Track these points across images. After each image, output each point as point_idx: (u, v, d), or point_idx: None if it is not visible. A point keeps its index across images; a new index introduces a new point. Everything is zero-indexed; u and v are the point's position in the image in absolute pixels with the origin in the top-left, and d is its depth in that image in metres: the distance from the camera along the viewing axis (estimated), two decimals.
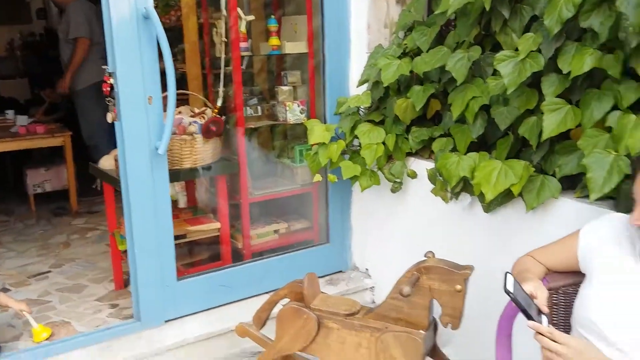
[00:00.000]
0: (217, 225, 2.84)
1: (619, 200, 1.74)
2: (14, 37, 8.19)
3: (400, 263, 1.91)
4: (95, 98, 4.68)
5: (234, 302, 2.71)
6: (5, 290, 2.95)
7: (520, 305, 1.28)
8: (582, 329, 1.36)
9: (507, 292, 1.28)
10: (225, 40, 2.84)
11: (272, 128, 3.26)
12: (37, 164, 4.68)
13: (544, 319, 1.31)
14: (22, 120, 4.80)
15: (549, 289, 1.50)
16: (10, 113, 5.32)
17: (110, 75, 2.39)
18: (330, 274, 2.98)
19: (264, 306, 2.16)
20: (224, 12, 2.77)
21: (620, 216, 1.44)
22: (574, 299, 1.45)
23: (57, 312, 2.72)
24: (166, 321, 2.53)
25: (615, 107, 1.77)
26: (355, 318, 1.93)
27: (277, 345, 2.00)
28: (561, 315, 1.53)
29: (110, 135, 4.78)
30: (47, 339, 2.41)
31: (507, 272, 1.33)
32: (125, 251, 2.96)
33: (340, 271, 3.03)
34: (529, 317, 1.29)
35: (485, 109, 2.20)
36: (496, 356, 1.53)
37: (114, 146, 3.89)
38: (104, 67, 2.44)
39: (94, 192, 4.83)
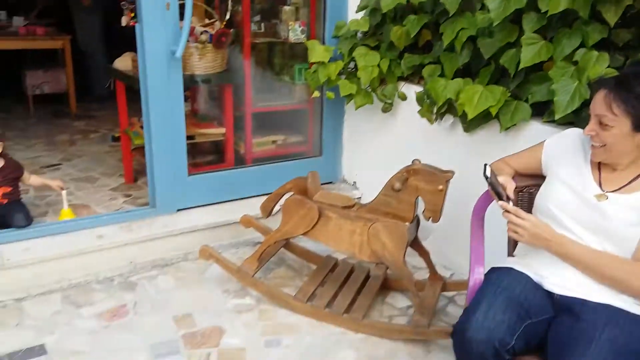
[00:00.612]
0: (223, 130, 3.13)
1: (577, 124, 2.11)
2: None
3: (386, 177, 2.25)
4: (94, 6, 4.82)
5: (237, 199, 3.05)
6: None
7: (495, 188, 1.65)
8: (542, 215, 1.74)
9: (486, 177, 1.64)
10: None
11: (272, 46, 3.50)
12: (36, 66, 4.82)
13: (511, 202, 1.69)
14: (19, 21, 4.88)
15: (516, 188, 1.87)
16: (2, 14, 5.37)
17: None
18: (322, 184, 3.33)
19: (271, 197, 2.51)
20: None
21: (578, 130, 1.81)
22: (535, 196, 1.83)
23: (75, 197, 3.02)
24: (178, 210, 2.87)
25: (582, 45, 2.11)
26: (351, 210, 2.30)
27: (282, 229, 2.37)
28: (524, 209, 1.91)
29: (105, 41, 4.97)
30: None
31: (486, 163, 1.69)
32: (136, 148, 3.26)
33: (331, 182, 3.39)
34: (500, 199, 1.66)
35: (472, 39, 2.51)
36: (471, 234, 1.91)
37: (110, 52, 4.14)
38: None
39: (89, 98, 5.04)
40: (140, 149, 3.27)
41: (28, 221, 2.54)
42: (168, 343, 2.13)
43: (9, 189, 2.58)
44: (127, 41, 4.96)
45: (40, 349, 2.04)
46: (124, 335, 2.15)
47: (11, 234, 2.47)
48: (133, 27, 2.65)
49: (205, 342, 2.14)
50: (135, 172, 3.34)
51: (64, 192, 2.71)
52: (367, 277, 2.57)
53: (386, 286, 2.58)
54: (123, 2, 2.94)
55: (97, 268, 2.55)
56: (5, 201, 2.57)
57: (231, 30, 3.01)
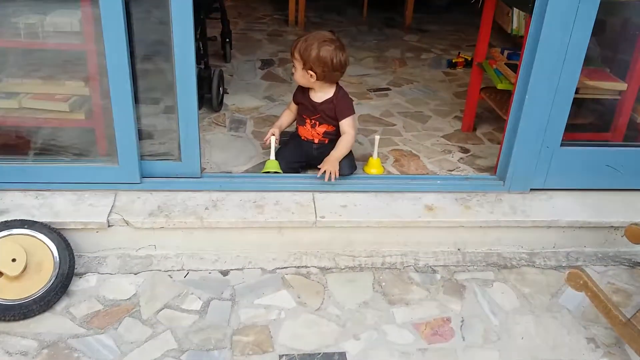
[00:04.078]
0: (623, 86, 2.14)
1: None
2: None
3: None
4: None
5: (617, 190, 2.11)
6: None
7: None
8: None
9: None
10: None
11: None
12: None
13: None
14: None
15: None
16: None
17: None
18: None
19: None
20: None
21: None
22: None
23: (403, 140, 2.44)
24: (531, 189, 2.08)
25: None
26: None
27: None
28: None
29: None
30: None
31: None
32: (490, 89, 2.49)
33: None
34: None
35: None
36: None
37: None
38: None
39: (424, 9, 4.39)
40: (490, 90, 2.51)
41: (352, 169, 2.04)
42: None
43: (332, 128, 2.07)
44: None
45: (341, 358, 1.55)
46: None
47: (332, 184, 1.98)
48: None
49: None
50: (478, 117, 2.59)
51: (377, 137, 2.13)
52: None
53: None
54: None
55: (418, 249, 1.96)
56: (326, 140, 2.08)
57: None
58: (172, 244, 1.87)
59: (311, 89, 2.03)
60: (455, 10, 4.55)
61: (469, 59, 3.37)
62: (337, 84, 2.04)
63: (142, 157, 1.92)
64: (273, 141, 2.04)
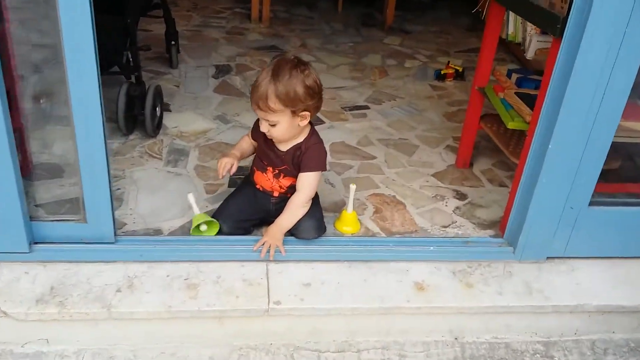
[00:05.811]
0: None
1: None
2: None
3: None
4: None
5: None
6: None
7: None
8: None
9: None
10: None
11: None
12: None
13: None
14: None
15: None
16: None
17: None
18: None
19: None
20: None
21: None
22: None
23: (384, 180, 1.96)
24: (548, 257, 1.63)
25: None
26: None
27: None
28: None
29: None
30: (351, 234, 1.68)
31: None
32: (492, 117, 2.03)
33: None
34: None
35: None
36: None
37: None
38: None
39: (406, 6, 3.90)
40: (492, 118, 2.05)
41: (319, 231, 1.56)
42: None
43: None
44: None
45: None
46: None
47: (292, 251, 1.51)
48: None
49: None
50: (476, 149, 2.13)
51: (352, 187, 1.64)
52: None
53: None
54: None
55: (403, 339, 1.49)
56: (289, 195, 1.56)
57: None
58: (71, 338, 1.36)
59: None
60: (439, 8, 4.09)
61: (460, 69, 2.91)
62: (312, 125, 1.55)
63: (33, 212, 1.41)
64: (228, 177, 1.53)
